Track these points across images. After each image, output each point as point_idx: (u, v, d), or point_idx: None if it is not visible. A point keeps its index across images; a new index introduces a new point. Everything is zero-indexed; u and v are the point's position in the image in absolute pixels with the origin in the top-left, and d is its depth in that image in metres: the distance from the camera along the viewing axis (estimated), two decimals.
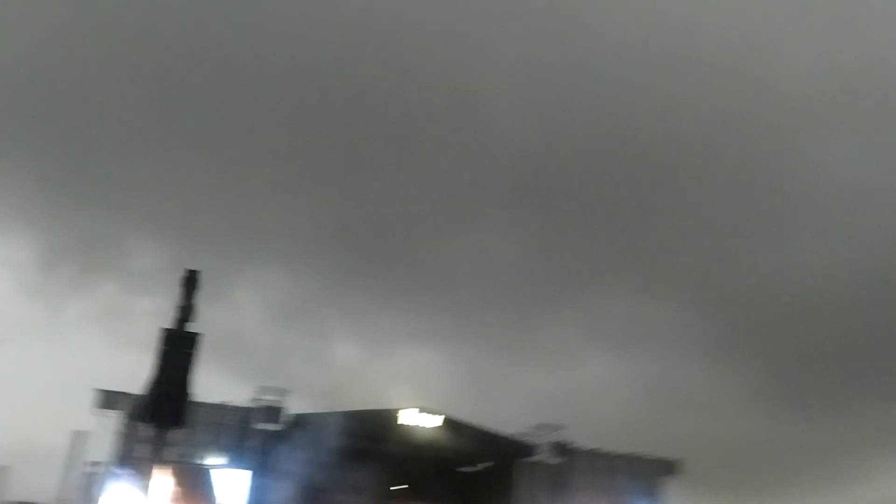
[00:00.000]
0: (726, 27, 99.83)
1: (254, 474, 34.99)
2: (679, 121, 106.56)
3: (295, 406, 37.64)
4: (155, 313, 24.29)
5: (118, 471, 31.75)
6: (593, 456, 41.51)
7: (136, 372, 25.66)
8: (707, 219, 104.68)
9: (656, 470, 41.96)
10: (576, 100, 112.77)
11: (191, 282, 23.13)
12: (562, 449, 40.47)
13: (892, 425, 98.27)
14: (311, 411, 37.91)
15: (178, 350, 22.09)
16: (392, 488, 38.03)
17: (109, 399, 33.50)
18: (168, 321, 23.43)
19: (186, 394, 22.36)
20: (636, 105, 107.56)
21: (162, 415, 22.26)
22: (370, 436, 34.41)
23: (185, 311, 22.57)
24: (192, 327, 22.78)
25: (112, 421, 33.84)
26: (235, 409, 36.55)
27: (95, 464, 33.78)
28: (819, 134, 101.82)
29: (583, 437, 43.11)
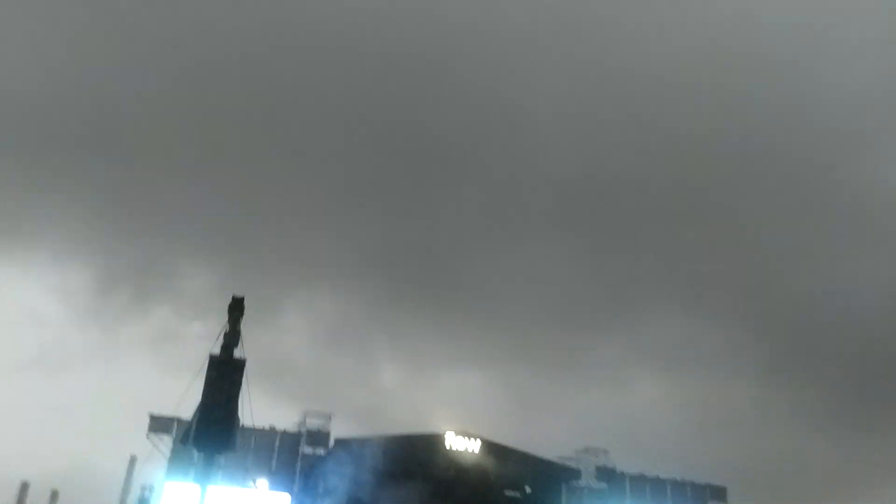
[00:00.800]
0: (779, 43, 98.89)
1: (299, 497, 35.54)
2: (732, 138, 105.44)
3: (340, 429, 38.28)
4: (204, 337, 25.02)
5: (170, 493, 32.72)
6: (639, 480, 41.04)
7: (186, 397, 26.44)
8: (760, 238, 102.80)
9: (704, 495, 41.21)
10: (624, 122, 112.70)
11: (236, 308, 23.70)
12: (607, 473, 40.12)
13: None
14: (356, 434, 38.46)
15: (224, 376, 22.66)
16: None
17: (161, 424, 34.53)
18: (215, 347, 24.09)
19: (233, 419, 22.87)
20: (684, 125, 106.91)
21: (209, 440, 22.78)
22: (413, 459, 34.67)
23: (231, 338, 23.13)
24: (237, 353, 23.37)
25: (164, 445, 34.87)
26: (283, 433, 37.30)
27: (147, 487, 34.77)
28: (883, 148, 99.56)
29: (629, 461, 42.74)
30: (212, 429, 22.34)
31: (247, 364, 24.42)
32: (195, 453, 28.56)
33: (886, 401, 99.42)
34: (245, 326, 24.88)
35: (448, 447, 38.24)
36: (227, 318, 24.28)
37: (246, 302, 23.81)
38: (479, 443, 38.62)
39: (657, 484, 41.25)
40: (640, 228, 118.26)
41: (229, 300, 24.76)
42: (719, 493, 41.35)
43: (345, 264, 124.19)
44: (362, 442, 36.66)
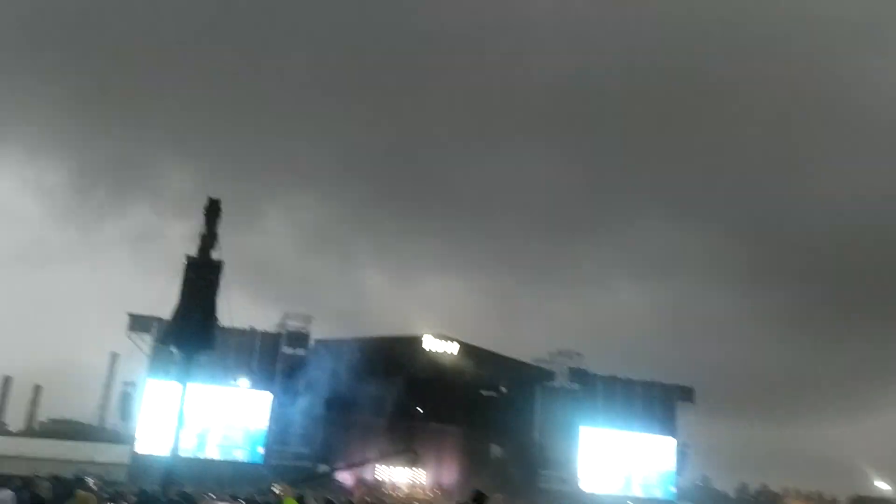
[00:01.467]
0: None
1: (280, 396, 36.36)
2: (718, 46, 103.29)
3: (320, 331, 38.79)
4: (184, 237, 24.73)
5: (152, 390, 33.31)
6: (611, 382, 42.36)
7: (165, 297, 26.48)
8: (743, 143, 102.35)
9: (673, 396, 42.71)
10: (614, 26, 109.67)
11: (213, 210, 23.42)
12: (580, 375, 41.33)
13: None
14: (336, 337, 39.08)
15: (202, 278, 22.64)
16: (414, 411, 39.27)
17: (141, 323, 34.70)
18: (192, 249, 23.95)
19: (212, 319, 23.01)
20: (674, 32, 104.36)
21: (188, 339, 22.99)
22: (391, 360, 35.41)
23: (208, 240, 22.97)
24: (215, 255, 23.26)
25: (144, 344, 35.20)
26: (262, 334, 37.73)
27: (130, 384, 35.31)
28: (861, 56, 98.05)
29: (603, 364, 43.96)
30: (190, 329, 22.50)
31: (226, 266, 24.41)
32: (175, 352, 28.99)
33: (860, 310, 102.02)
34: (224, 228, 24.62)
35: (426, 349, 39.05)
36: (201, 221, 24.05)
37: (224, 204, 23.51)
38: (456, 345, 39.46)
39: (628, 385, 42.67)
40: (629, 136, 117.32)
41: (203, 203, 24.48)
42: (687, 393, 42.82)
43: (327, 166, 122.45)
44: (342, 343, 37.27)
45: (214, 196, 24.03)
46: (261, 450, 35.66)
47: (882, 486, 35.36)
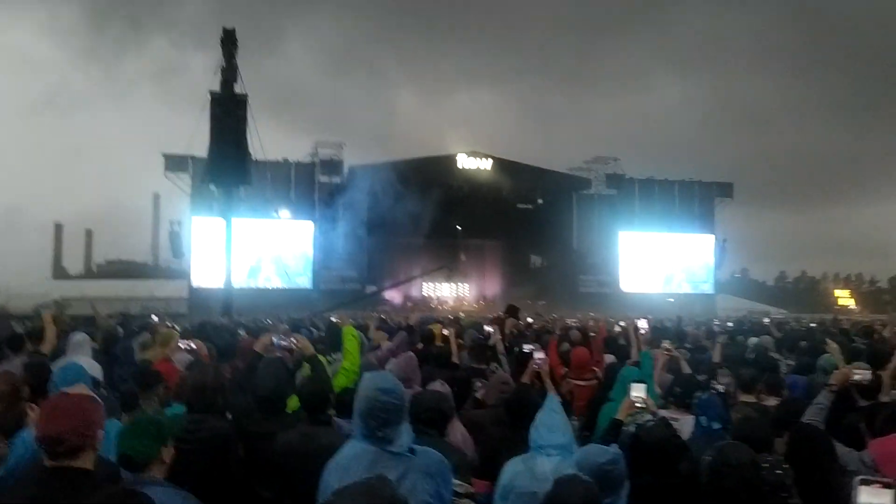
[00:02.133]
0: None
1: (319, 225, 37.20)
2: None
3: (353, 156, 38.86)
4: (207, 69, 24.20)
5: (199, 227, 34.29)
6: (648, 184, 42.14)
7: (196, 135, 26.50)
8: None
9: (711, 193, 42.51)
10: None
11: (229, 41, 22.78)
12: (616, 180, 41.16)
13: None
14: (370, 161, 39.15)
15: (228, 113, 22.49)
16: (453, 228, 39.98)
17: (176, 163, 34.99)
18: (214, 84, 23.56)
19: (244, 154, 23.16)
20: None
21: (225, 175, 23.31)
22: (426, 180, 35.49)
23: (229, 73, 22.56)
24: (238, 88, 22.92)
25: (183, 183, 35.76)
26: (296, 164, 37.92)
27: (176, 222, 36.29)
28: None
29: (641, 167, 43.61)
30: (225, 165, 22.74)
31: (252, 97, 24.11)
32: (214, 189, 29.49)
33: None
34: (245, 58, 24.07)
35: (460, 167, 38.99)
36: (220, 54, 23.44)
37: (242, 31, 22.77)
38: (490, 161, 39.25)
39: (665, 186, 42.33)
40: None
41: (218, 35, 23.68)
42: (726, 189, 42.52)
43: None
44: (376, 167, 37.35)
45: (229, 26, 23.31)
46: (309, 275, 37.14)
47: None
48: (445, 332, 7.95)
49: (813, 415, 4.02)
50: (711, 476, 3.03)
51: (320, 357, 4.99)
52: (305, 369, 4.93)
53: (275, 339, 5.28)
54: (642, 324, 7.39)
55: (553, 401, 3.44)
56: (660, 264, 41.48)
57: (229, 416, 4.13)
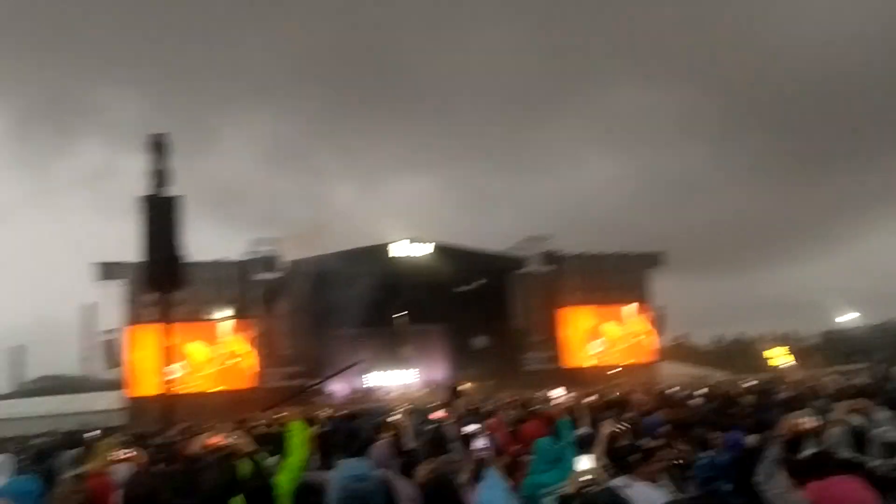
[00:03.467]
0: None
1: (263, 320, 36.64)
2: None
3: (296, 252, 38.72)
4: (139, 173, 24.01)
5: (135, 335, 33.31)
6: (581, 259, 43.19)
7: (129, 240, 26.11)
8: None
9: (644, 263, 43.76)
10: None
11: (158, 146, 22.88)
12: (550, 257, 42.03)
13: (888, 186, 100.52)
14: (309, 255, 39.05)
15: (161, 216, 22.32)
16: (393, 316, 39.90)
17: (109, 270, 34.27)
18: (147, 188, 23.44)
19: (178, 256, 22.86)
20: None
21: (160, 279, 22.92)
22: (368, 270, 35.54)
23: (159, 176, 22.53)
24: (170, 190, 22.85)
25: (117, 290, 34.92)
26: (234, 263, 37.57)
27: (109, 331, 35.22)
28: None
29: (577, 242, 44.70)
30: (160, 269, 22.39)
31: (187, 199, 24.03)
32: (149, 295, 28.83)
33: (829, 155, 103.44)
34: (182, 158, 24.04)
35: (398, 254, 39.32)
36: (149, 158, 23.44)
37: (179, 131, 22.85)
38: (428, 246, 39.75)
39: (598, 259, 43.55)
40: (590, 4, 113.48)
41: (148, 140, 23.74)
42: (658, 258, 43.88)
43: (279, 74, 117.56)
44: (316, 260, 37.30)
45: (157, 131, 23.46)
46: (253, 375, 36.21)
47: (849, 318, 37.14)
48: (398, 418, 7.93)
49: (766, 467, 4.17)
50: None
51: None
52: (245, 467, 4.84)
53: (214, 440, 5.19)
54: (556, 392, 7.52)
55: (493, 475, 3.38)
56: (601, 337, 42.06)
57: None
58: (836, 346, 37.02)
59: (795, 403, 7.46)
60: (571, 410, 7.90)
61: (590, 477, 4.03)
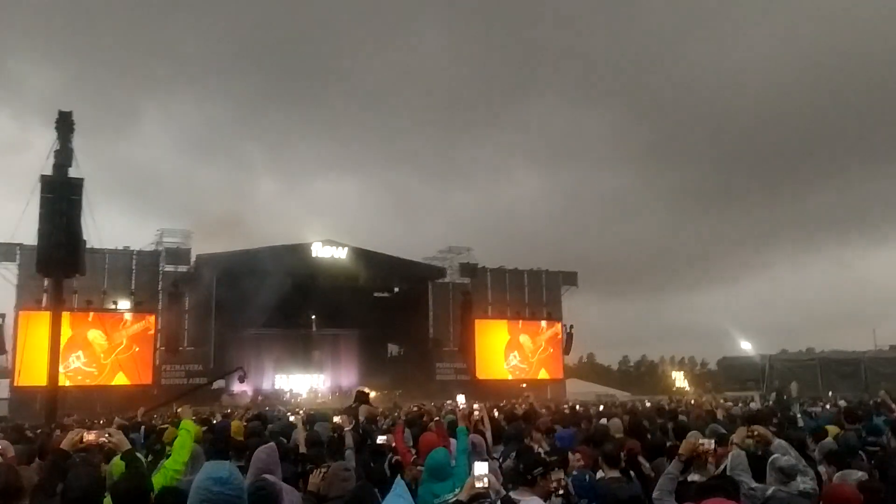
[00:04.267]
0: None
1: (164, 315, 35.26)
2: None
3: (205, 246, 37.46)
4: (44, 152, 22.62)
5: (24, 321, 31.41)
6: (499, 273, 43.66)
7: (24, 221, 24.62)
8: (642, 13, 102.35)
9: (557, 281, 44.60)
10: None
11: (65, 124, 21.65)
12: (470, 269, 42.26)
13: (802, 218, 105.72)
14: (222, 250, 37.91)
15: (61, 198, 21.10)
16: (309, 317, 39.19)
17: (2, 251, 32.26)
18: (47, 167, 22.17)
19: (78, 241, 21.65)
20: None
21: (55, 264, 21.64)
22: (281, 270, 34.73)
23: (63, 156, 21.30)
24: (73, 172, 21.65)
25: (9, 273, 32.92)
26: (139, 252, 36.02)
27: (0, 316, 33.03)
28: None
29: (502, 255, 45.14)
30: (56, 253, 21.14)
31: (100, 183, 22.86)
32: (44, 279, 27.28)
33: (745, 187, 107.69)
34: (95, 138, 22.92)
35: (315, 255, 38.61)
36: (55, 137, 22.21)
37: (96, 112, 21.79)
38: (345, 250, 39.21)
39: (515, 275, 44.18)
40: (526, 18, 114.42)
41: (54, 117, 22.51)
42: (571, 277, 44.85)
43: (211, 60, 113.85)
44: (225, 256, 36.24)
45: (67, 109, 22.24)
46: (150, 371, 34.71)
47: (745, 346, 38.85)
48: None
49: (664, 484, 4.19)
50: None
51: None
52: (118, 466, 4.48)
53: (85, 436, 4.76)
54: (460, 399, 7.45)
55: (400, 485, 3.21)
56: (512, 351, 42.51)
57: None
58: (731, 373, 38.56)
59: (694, 426, 7.56)
60: (475, 420, 7.81)
61: (483, 486, 3.89)
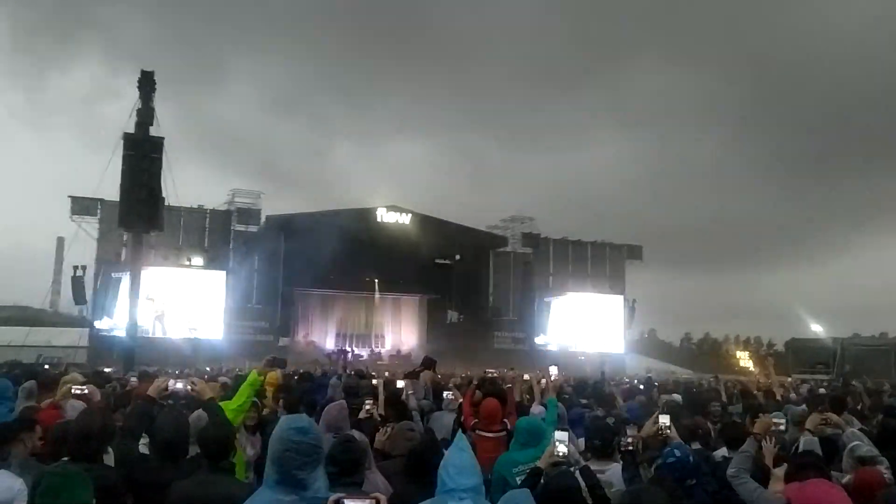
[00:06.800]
0: None
1: (235, 272, 36.31)
2: None
3: (276, 205, 38.38)
4: (126, 109, 23.33)
5: (104, 273, 32.84)
6: (562, 244, 43.35)
7: (106, 177, 25.56)
8: None
9: (622, 255, 44.00)
10: None
11: (147, 84, 22.35)
12: (532, 239, 42.08)
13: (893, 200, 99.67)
14: (291, 211, 38.80)
15: (142, 155, 21.89)
16: (372, 281, 39.74)
17: (84, 206, 33.57)
18: (129, 125, 22.97)
19: (157, 198, 22.49)
20: None
21: (135, 220, 22.54)
22: (347, 234, 35.25)
23: (145, 115, 22.04)
24: (154, 131, 22.40)
25: (89, 226, 34.30)
26: (212, 211, 37.07)
27: (80, 267, 34.56)
28: None
29: (565, 225, 44.79)
30: (136, 209, 22.01)
31: (181, 138, 23.64)
32: (124, 234, 28.44)
33: (835, 161, 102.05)
34: (180, 94, 23.56)
35: (379, 220, 39.07)
36: (138, 95, 22.95)
37: (185, 62, 22.79)
38: (409, 216, 39.53)
39: (579, 246, 43.77)
40: None
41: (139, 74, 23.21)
42: (635, 251, 44.16)
43: (297, 16, 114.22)
44: (293, 218, 36.99)
45: (152, 62, 23.03)
46: (220, 326, 35.88)
47: (815, 328, 37.66)
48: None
49: (741, 462, 4.16)
50: None
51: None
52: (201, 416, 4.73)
53: (171, 384, 5.03)
54: (553, 370, 7.39)
55: (462, 439, 3.22)
56: (572, 323, 42.24)
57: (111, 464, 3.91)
58: (800, 356, 37.45)
59: (765, 406, 7.46)
60: (545, 390, 7.85)
61: (562, 455, 3.95)
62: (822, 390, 14.99)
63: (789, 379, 21.01)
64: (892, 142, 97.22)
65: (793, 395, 10.98)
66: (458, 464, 2.92)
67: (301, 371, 12.89)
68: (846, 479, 4.35)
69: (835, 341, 35.11)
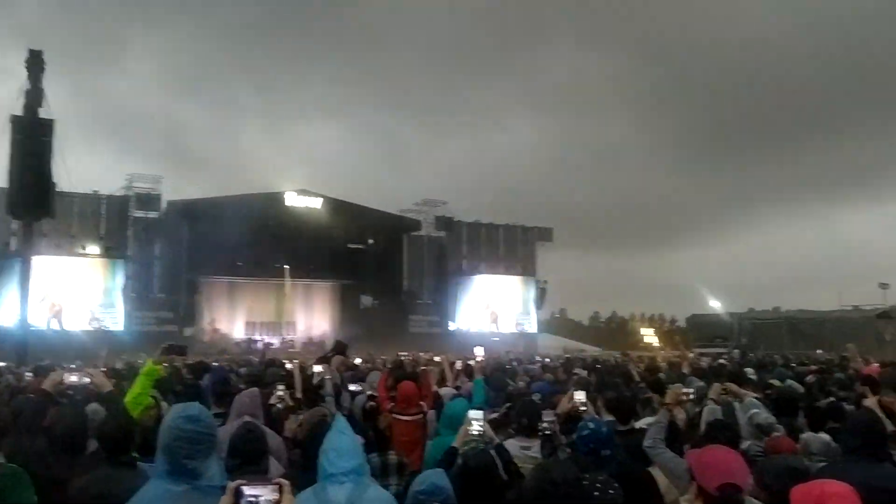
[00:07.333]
0: None
1: (133, 263, 34.85)
2: None
3: (184, 190, 36.93)
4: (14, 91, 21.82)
5: None
6: (475, 227, 43.79)
7: None
8: None
9: (532, 237, 44.88)
10: None
11: (35, 63, 20.99)
12: (445, 222, 42.27)
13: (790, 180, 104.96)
14: (196, 197, 37.42)
15: (32, 139, 20.57)
16: (282, 267, 38.94)
17: None
18: (17, 108, 21.55)
19: (48, 183, 21.21)
20: None
21: (24, 207, 21.21)
22: (254, 219, 34.34)
23: (33, 96, 20.71)
24: (44, 113, 21.06)
25: None
26: (109, 197, 35.34)
27: None
28: None
29: (478, 208, 45.09)
30: (25, 195, 20.71)
31: (77, 119, 22.30)
32: (12, 223, 26.74)
33: (743, 140, 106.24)
34: (72, 73, 22.16)
35: (288, 205, 38.26)
36: (25, 77, 21.55)
37: (76, 39, 21.24)
38: (320, 200, 38.89)
39: (491, 229, 44.38)
40: None
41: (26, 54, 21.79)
42: (546, 234, 45.16)
43: None
44: (197, 203, 35.76)
45: (40, 40, 21.60)
46: (119, 317, 34.39)
47: (715, 305, 39.62)
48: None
49: (656, 432, 4.23)
50: (535, 497, 2.96)
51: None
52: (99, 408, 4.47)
53: (67, 377, 4.72)
54: (479, 351, 7.44)
55: (341, 421, 3.17)
56: (485, 305, 42.83)
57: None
58: (701, 331, 39.33)
59: (668, 379, 7.74)
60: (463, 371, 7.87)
61: (477, 433, 3.95)
62: (721, 361, 15.78)
63: (691, 354, 22.02)
64: (790, 124, 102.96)
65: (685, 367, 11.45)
66: (338, 447, 2.91)
67: (197, 361, 12.35)
68: (746, 444, 4.56)
69: (732, 316, 37.07)
